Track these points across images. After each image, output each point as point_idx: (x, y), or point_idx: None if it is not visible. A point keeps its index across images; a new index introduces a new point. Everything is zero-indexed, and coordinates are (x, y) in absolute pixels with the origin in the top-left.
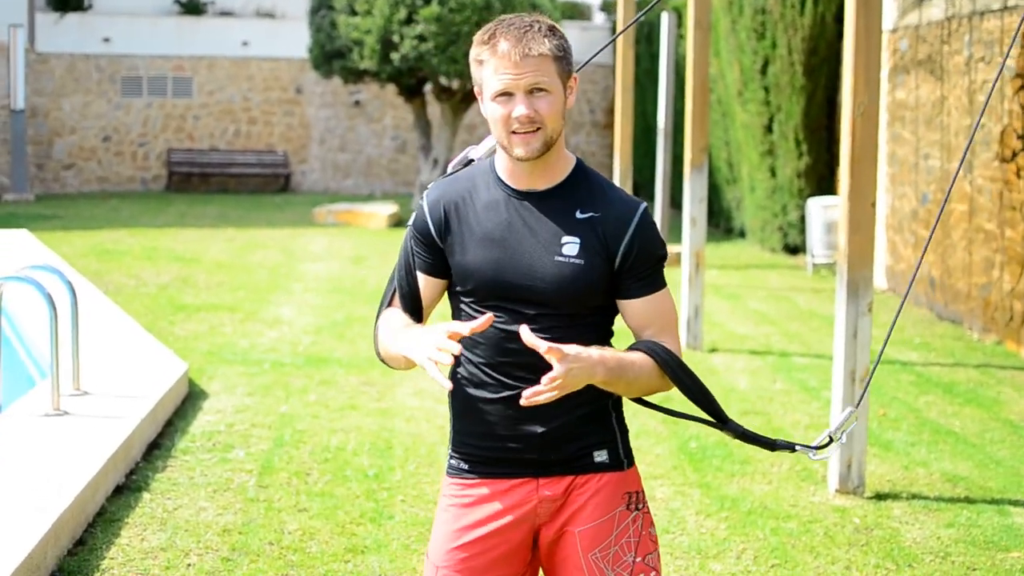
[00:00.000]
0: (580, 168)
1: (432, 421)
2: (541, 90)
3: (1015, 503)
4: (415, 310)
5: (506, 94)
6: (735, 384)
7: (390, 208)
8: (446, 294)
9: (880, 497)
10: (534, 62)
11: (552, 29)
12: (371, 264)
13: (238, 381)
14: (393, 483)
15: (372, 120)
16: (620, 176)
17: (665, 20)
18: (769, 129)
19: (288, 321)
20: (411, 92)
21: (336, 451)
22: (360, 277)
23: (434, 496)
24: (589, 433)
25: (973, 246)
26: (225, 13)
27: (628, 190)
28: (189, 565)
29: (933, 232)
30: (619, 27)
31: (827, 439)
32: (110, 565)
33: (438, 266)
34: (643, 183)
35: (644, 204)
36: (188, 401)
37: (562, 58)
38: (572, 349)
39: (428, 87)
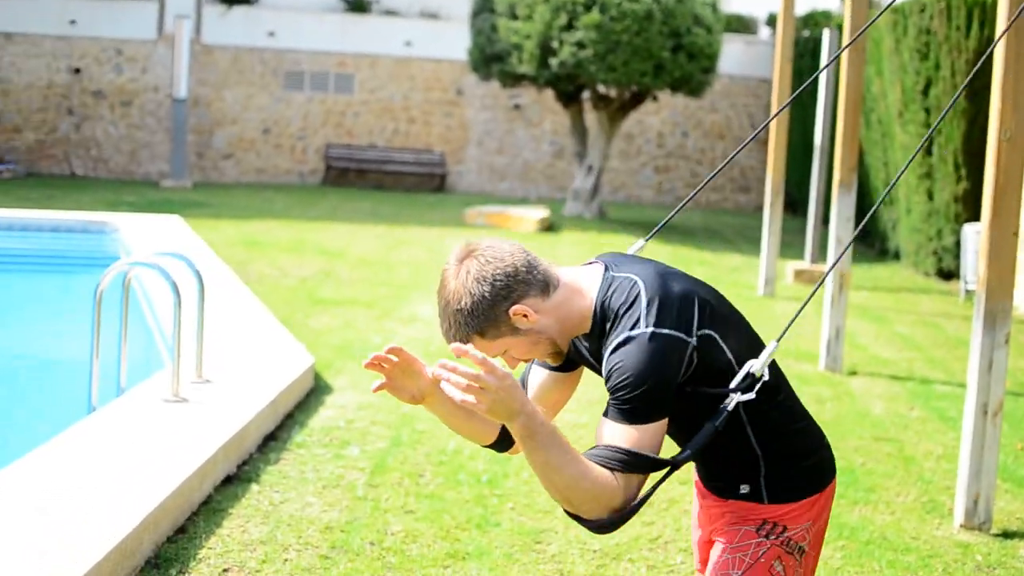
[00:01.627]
0: (595, 314)
1: None
2: (501, 355)
3: None
4: None
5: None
6: (870, 409)
7: (541, 212)
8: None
9: (1007, 535)
10: (477, 348)
11: (446, 308)
12: None
13: (365, 378)
14: (505, 490)
15: (531, 124)
16: (772, 191)
17: (826, 36)
18: (928, 152)
19: (424, 319)
20: (568, 98)
21: (452, 454)
22: None
23: (544, 505)
24: (734, 473)
25: None
26: (389, 12)
27: (779, 207)
28: (286, 560)
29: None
30: (778, 41)
31: (747, 375)
32: (207, 555)
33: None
34: (801, 200)
35: (624, 335)
36: (312, 395)
37: (480, 330)
38: (509, 375)
39: (586, 94)
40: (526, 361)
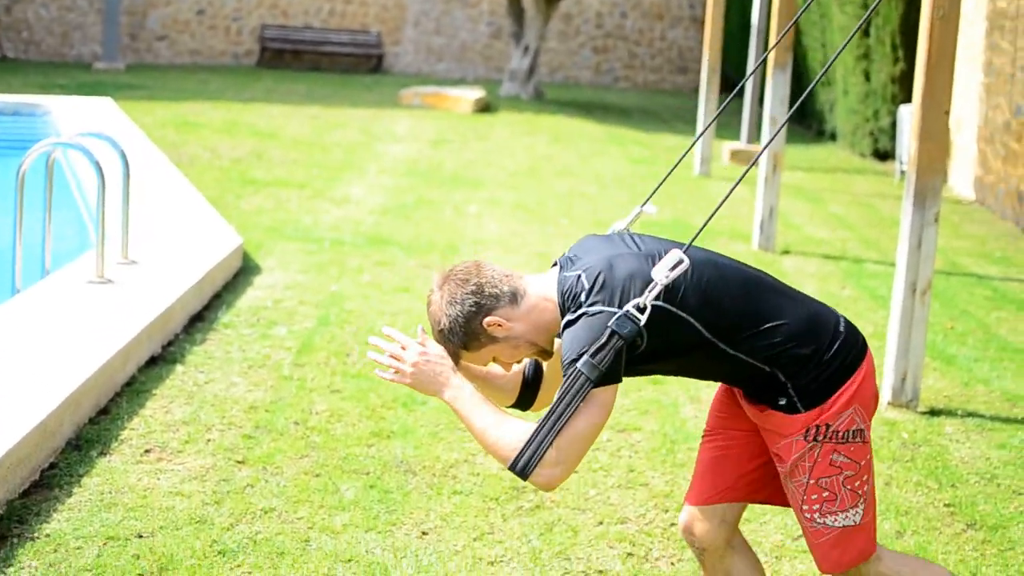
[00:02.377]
0: (560, 313)
1: None
2: (486, 364)
3: None
4: None
5: None
6: (802, 287)
7: (477, 93)
8: None
9: (933, 413)
10: (467, 359)
11: (440, 332)
12: (451, 148)
13: (294, 258)
14: None
15: (468, 4)
16: (708, 71)
17: None
18: (866, 33)
19: (356, 200)
20: None
21: (381, 333)
22: (437, 160)
23: None
24: (763, 389)
25: None
26: None
27: (715, 86)
28: (209, 440)
29: None
30: None
31: (656, 286)
32: (129, 436)
33: None
34: (738, 81)
35: (566, 320)
36: (240, 275)
37: (463, 344)
38: (433, 354)
39: None
40: (517, 362)
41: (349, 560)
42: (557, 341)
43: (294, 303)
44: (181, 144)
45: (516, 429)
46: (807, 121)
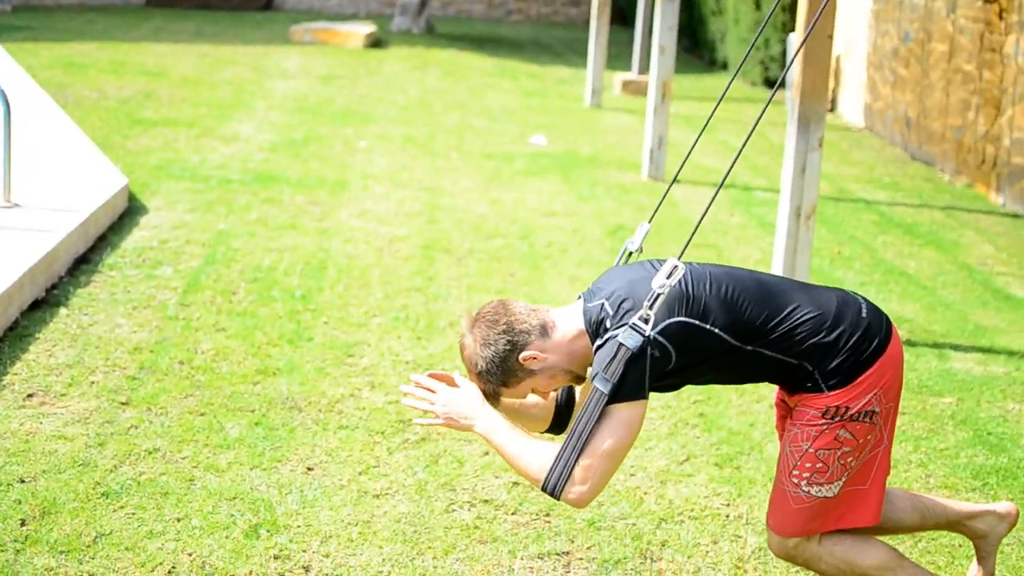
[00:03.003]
0: (591, 341)
1: (371, 242)
2: (521, 396)
3: (956, 347)
4: None
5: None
6: (692, 216)
7: (368, 28)
8: None
9: None
10: (507, 395)
11: (479, 376)
12: (341, 84)
13: (181, 197)
14: (319, 303)
15: None
16: (599, 2)
17: None
18: None
19: (245, 138)
20: None
21: (267, 270)
22: (327, 96)
23: (359, 318)
24: (791, 379)
25: (951, 87)
26: None
27: (606, 17)
28: (92, 383)
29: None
30: None
31: (654, 295)
32: (11, 380)
33: None
34: (631, 12)
35: (603, 338)
36: (126, 216)
37: (503, 382)
38: (462, 391)
39: None
40: (555, 391)
41: (234, 498)
42: (591, 369)
43: (180, 243)
44: (67, 85)
45: (545, 451)
46: (698, 51)
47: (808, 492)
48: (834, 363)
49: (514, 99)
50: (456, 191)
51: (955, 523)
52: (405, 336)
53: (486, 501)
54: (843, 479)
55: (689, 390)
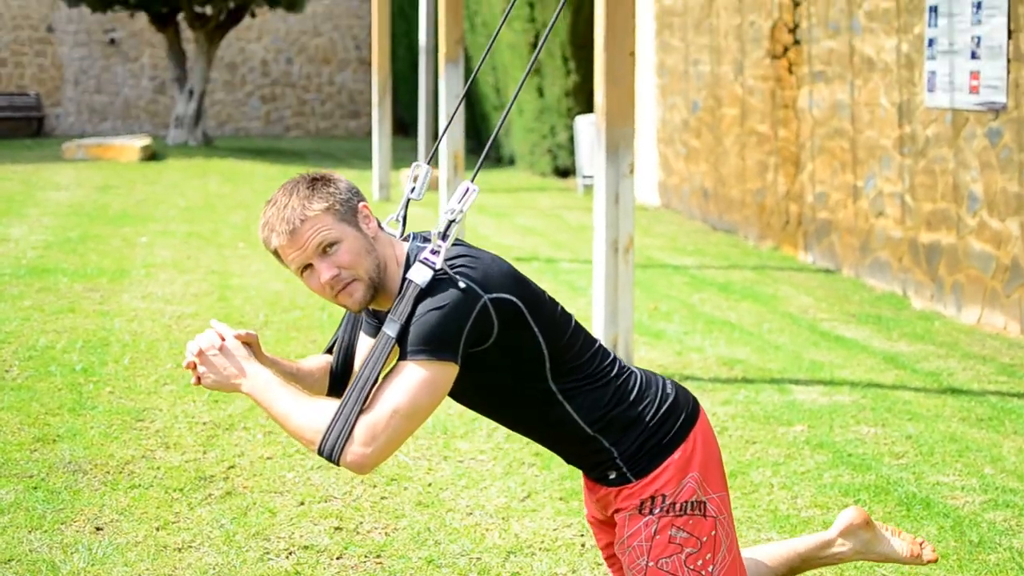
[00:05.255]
0: (402, 281)
1: (157, 320)
2: (332, 244)
3: (796, 381)
4: None
5: (307, 267)
6: None
7: (143, 140)
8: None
9: None
10: (307, 228)
11: (312, 185)
12: (118, 192)
13: None
14: (103, 375)
15: (129, 59)
16: (379, 111)
17: None
18: (535, 47)
19: (16, 239)
20: (163, 21)
21: (44, 350)
22: (103, 202)
23: (148, 387)
24: (589, 458)
25: (746, 151)
26: None
27: (388, 125)
28: None
29: None
30: None
31: (447, 223)
32: None
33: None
34: (411, 122)
35: (427, 300)
36: None
37: (332, 205)
38: (225, 355)
39: (181, 15)
40: (347, 281)
41: (9, 560)
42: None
43: None
44: None
45: (323, 409)
46: (482, 150)
47: None
48: (636, 442)
49: None
50: (247, 273)
51: (819, 557)
52: (200, 400)
53: (306, 547)
54: None
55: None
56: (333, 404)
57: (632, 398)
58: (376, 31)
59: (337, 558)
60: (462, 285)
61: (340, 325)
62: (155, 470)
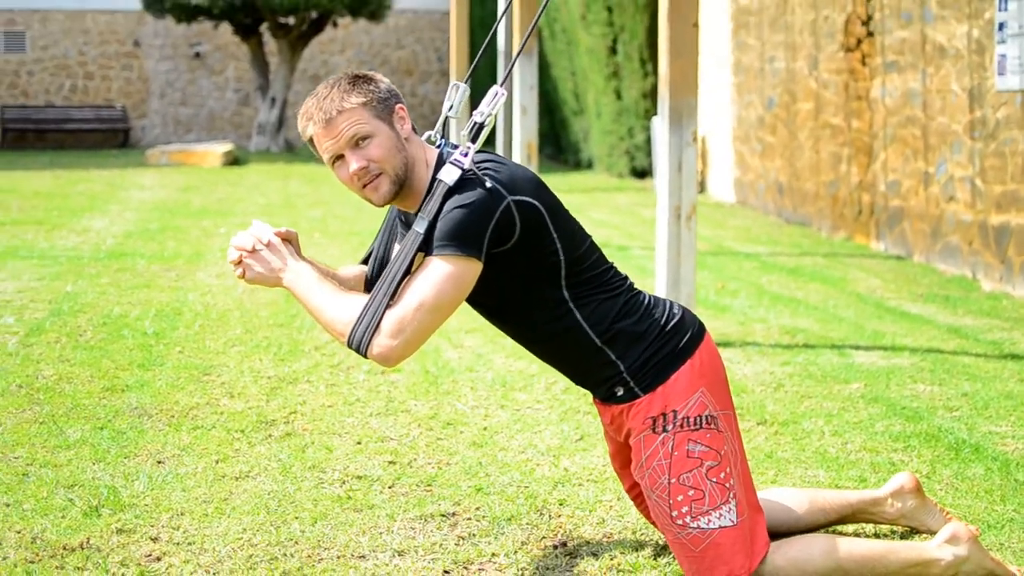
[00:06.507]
0: (432, 181)
1: (230, 294)
2: (364, 138)
3: (857, 347)
4: None
5: (338, 158)
6: None
7: (225, 146)
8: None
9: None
10: (343, 120)
11: (353, 81)
12: (200, 191)
13: (26, 271)
14: (173, 338)
15: (213, 72)
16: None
17: None
18: (614, 51)
19: (97, 230)
20: (246, 32)
21: (118, 317)
22: (184, 200)
23: (216, 348)
24: (596, 374)
25: (820, 144)
26: None
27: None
28: None
29: None
30: None
31: (474, 125)
32: None
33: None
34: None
35: (454, 197)
36: None
37: (369, 101)
38: (270, 250)
39: (264, 26)
40: (374, 175)
41: (72, 485)
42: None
43: (24, 301)
44: None
45: (354, 303)
46: (563, 156)
47: (699, 527)
48: (642, 356)
49: None
50: (321, 257)
51: (860, 511)
52: (267, 358)
53: (359, 477)
54: (731, 501)
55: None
56: (364, 299)
57: (640, 313)
58: (454, 41)
59: (389, 487)
60: (488, 185)
61: (376, 237)
62: (218, 415)
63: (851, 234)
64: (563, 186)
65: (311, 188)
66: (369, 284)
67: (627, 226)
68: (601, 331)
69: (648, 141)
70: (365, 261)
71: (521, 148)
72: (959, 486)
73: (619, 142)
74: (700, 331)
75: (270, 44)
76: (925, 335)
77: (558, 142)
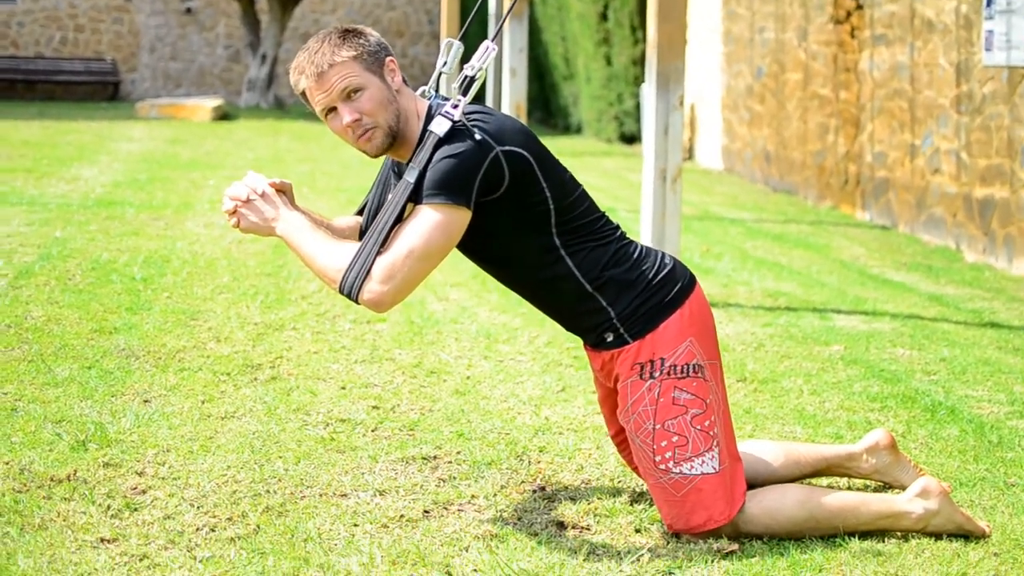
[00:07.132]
0: (423, 132)
1: (218, 244)
2: (356, 91)
3: (839, 312)
4: None
5: (331, 110)
6: None
7: (215, 101)
8: None
9: None
10: (334, 73)
11: (344, 35)
12: (188, 144)
13: (15, 217)
14: (161, 284)
15: (204, 28)
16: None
17: None
18: (604, 17)
19: (86, 178)
20: None
21: (106, 263)
22: (173, 153)
23: (204, 294)
24: (586, 320)
25: (808, 114)
26: None
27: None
28: None
29: None
30: None
31: (465, 79)
32: None
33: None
34: (479, 95)
35: (444, 148)
36: None
37: (360, 55)
38: (264, 200)
39: None
40: (366, 129)
41: (60, 420)
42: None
43: (13, 245)
44: None
45: (345, 250)
46: (552, 120)
47: (681, 471)
48: (632, 304)
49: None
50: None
51: (835, 466)
52: (254, 305)
53: (343, 420)
54: (715, 448)
55: (562, 336)
56: (356, 247)
57: (632, 262)
58: (445, 3)
59: (372, 430)
60: (477, 136)
61: (371, 188)
62: (205, 358)
63: (837, 203)
64: (552, 149)
65: (300, 144)
66: (363, 234)
67: (614, 189)
68: (592, 278)
69: (638, 107)
70: (360, 212)
71: (510, 109)
72: (933, 446)
73: (608, 107)
74: (691, 282)
75: (261, 2)
76: (906, 302)
77: (548, 106)
